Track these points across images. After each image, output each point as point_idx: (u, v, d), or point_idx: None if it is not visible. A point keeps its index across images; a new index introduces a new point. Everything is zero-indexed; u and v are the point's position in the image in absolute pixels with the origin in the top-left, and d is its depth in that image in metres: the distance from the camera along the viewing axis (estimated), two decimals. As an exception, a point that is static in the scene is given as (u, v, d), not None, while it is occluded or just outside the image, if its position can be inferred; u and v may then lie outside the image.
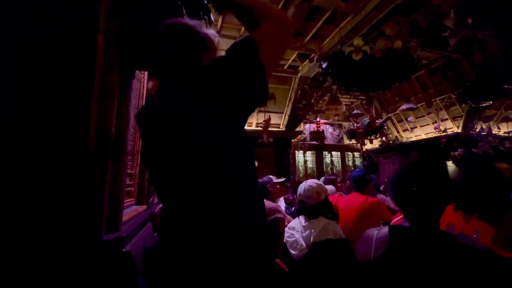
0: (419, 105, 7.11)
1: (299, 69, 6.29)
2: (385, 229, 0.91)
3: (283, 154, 7.30)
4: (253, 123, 7.14)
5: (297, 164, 8.94)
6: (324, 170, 9.24)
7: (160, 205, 1.51)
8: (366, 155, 9.28)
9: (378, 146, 8.85)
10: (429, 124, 7.84)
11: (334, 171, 9.40)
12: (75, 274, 0.73)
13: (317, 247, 1.54)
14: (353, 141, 8.05)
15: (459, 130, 7.05)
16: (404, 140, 8.64)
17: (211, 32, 0.84)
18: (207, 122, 0.66)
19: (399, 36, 4.06)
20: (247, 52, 0.68)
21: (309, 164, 9.20)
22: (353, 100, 8.46)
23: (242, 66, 0.67)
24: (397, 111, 7.26)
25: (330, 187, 2.96)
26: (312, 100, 6.74)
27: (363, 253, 0.92)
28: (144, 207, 1.93)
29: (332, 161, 9.57)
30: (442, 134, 7.30)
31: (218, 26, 4.57)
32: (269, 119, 6.12)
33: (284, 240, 1.74)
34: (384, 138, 8.18)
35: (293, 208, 2.85)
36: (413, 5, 4.01)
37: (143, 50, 0.88)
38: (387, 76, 3.18)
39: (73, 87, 0.79)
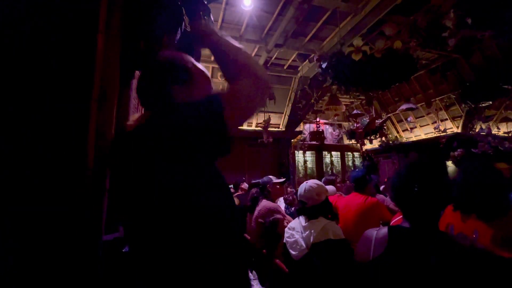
0: (418, 105, 7.11)
1: (299, 69, 6.29)
2: (384, 230, 0.91)
3: (283, 154, 7.31)
4: (253, 123, 7.15)
5: (296, 164, 8.94)
6: (324, 170, 9.24)
7: None
8: (365, 155, 9.28)
9: (377, 146, 8.85)
10: (428, 124, 7.85)
11: (334, 171, 9.40)
12: (74, 274, 0.73)
13: (317, 247, 1.54)
14: (353, 141, 8.06)
15: (459, 130, 7.05)
16: (404, 140, 8.64)
17: (199, 65, 0.84)
18: (169, 155, 0.66)
19: (399, 36, 4.06)
20: (214, 114, 0.67)
21: (309, 164, 9.20)
22: (353, 100, 8.46)
23: (207, 124, 0.67)
24: (397, 111, 7.26)
25: (330, 188, 2.96)
26: (312, 100, 6.74)
27: (362, 253, 0.92)
28: (144, 207, 1.93)
29: (331, 161, 9.57)
30: (441, 134, 7.30)
31: (218, 26, 4.58)
32: (269, 119, 6.13)
33: (284, 241, 1.74)
34: (383, 138, 8.19)
35: (292, 208, 2.86)
36: (413, 5, 4.01)
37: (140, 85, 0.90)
38: (387, 76, 3.18)
39: (73, 87, 0.79)
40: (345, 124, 9.46)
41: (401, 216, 0.93)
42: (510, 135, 6.58)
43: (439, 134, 7.35)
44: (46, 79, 0.77)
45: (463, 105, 6.46)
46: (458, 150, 6.51)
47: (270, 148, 6.74)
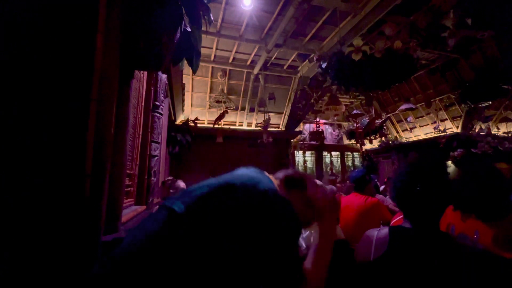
0: (418, 105, 7.12)
1: (298, 69, 6.29)
2: (385, 230, 0.90)
3: (283, 154, 7.30)
4: (253, 123, 7.14)
5: (296, 164, 8.94)
6: (324, 170, 9.25)
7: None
8: (365, 155, 9.28)
9: (377, 146, 8.86)
10: (428, 124, 7.86)
11: (334, 171, 9.40)
12: (73, 275, 0.72)
13: (317, 247, 1.54)
14: (353, 141, 8.06)
15: (459, 130, 7.06)
16: (404, 140, 8.65)
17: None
18: None
19: (399, 36, 4.06)
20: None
21: (309, 164, 9.20)
22: (353, 100, 8.47)
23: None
24: (397, 111, 7.26)
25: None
26: (312, 100, 6.75)
27: (363, 253, 0.92)
28: (144, 207, 1.93)
29: (331, 161, 9.57)
30: (441, 134, 7.31)
31: (218, 26, 4.57)
32: (269, 119, 6.13)
33: (284, 241, 1.74)
34: (383, 138, 8.20)
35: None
36: (413, 5, 4.01)
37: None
38: (386, 76, 3.18)
39: (72, 87, 0.78)
40: (345, 124, 9.46)
41: (402, 216, 0.93)
42: (510, 135, 6.59)
43: (438, 134, 7.35)
44: (45, 79, 0.76)
45: (462, 105, 6.46)
46: (458, 150, 6.52)
47: (270, 148, 6.73)
